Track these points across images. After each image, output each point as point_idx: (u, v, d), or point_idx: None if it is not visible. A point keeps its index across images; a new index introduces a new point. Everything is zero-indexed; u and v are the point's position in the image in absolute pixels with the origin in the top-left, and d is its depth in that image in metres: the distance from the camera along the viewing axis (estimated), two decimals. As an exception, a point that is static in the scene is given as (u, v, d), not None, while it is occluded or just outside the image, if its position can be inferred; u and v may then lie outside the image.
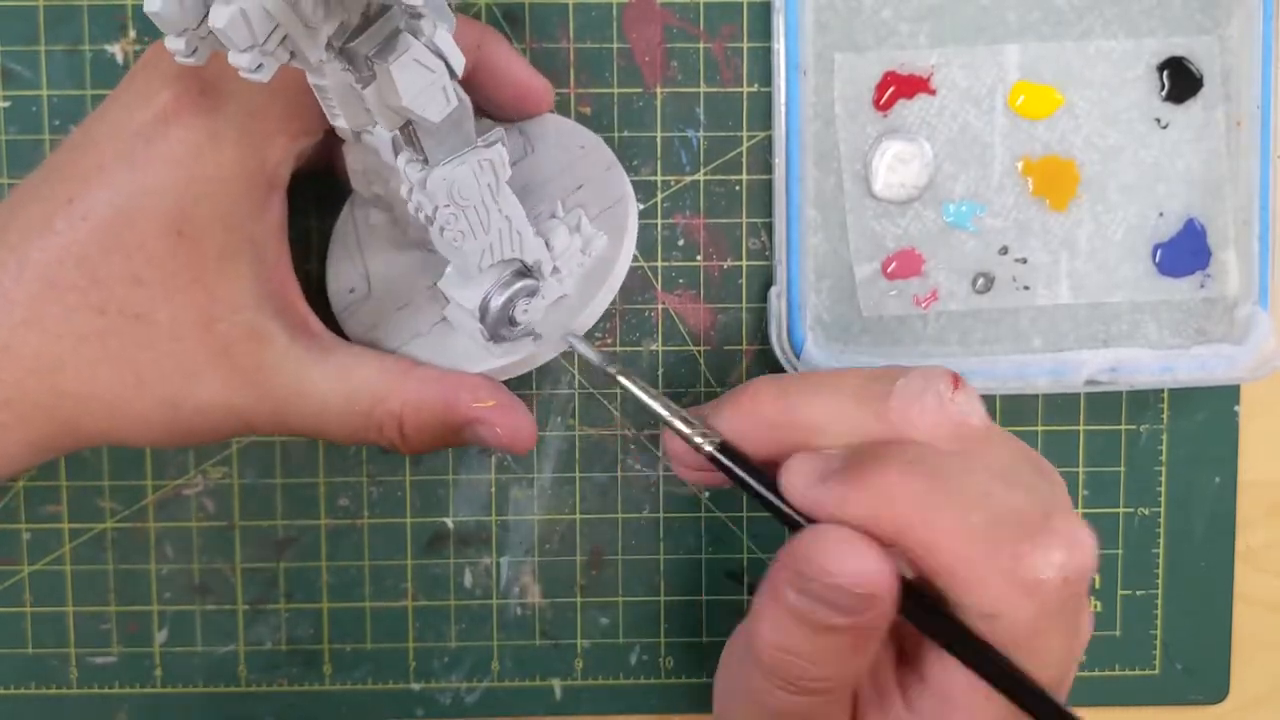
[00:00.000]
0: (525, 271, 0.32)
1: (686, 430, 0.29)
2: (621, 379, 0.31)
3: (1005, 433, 0.29)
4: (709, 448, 0.29)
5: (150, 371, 0.29)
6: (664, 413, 0.30)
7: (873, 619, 0.26)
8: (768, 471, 0.29)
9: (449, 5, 0.26)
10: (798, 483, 0.28)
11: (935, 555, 0.26)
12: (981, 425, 0.27)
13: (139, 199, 0.29)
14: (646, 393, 0.30)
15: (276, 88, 0.27)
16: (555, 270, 0.32)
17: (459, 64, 0.26)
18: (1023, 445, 0.29)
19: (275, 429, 0.31)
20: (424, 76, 0.25)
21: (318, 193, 0.36)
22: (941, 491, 0.26)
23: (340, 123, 0.28)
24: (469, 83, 0.32)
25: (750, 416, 0.29)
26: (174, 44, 0.24)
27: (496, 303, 0.31)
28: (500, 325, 0.32)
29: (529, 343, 0.32)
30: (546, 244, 0.32)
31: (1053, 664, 0.27)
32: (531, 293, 0.32)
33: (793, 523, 0.28)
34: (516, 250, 0.31)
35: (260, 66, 0.24)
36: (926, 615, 0.27)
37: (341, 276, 0.35)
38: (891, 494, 0.26)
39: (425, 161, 0.28)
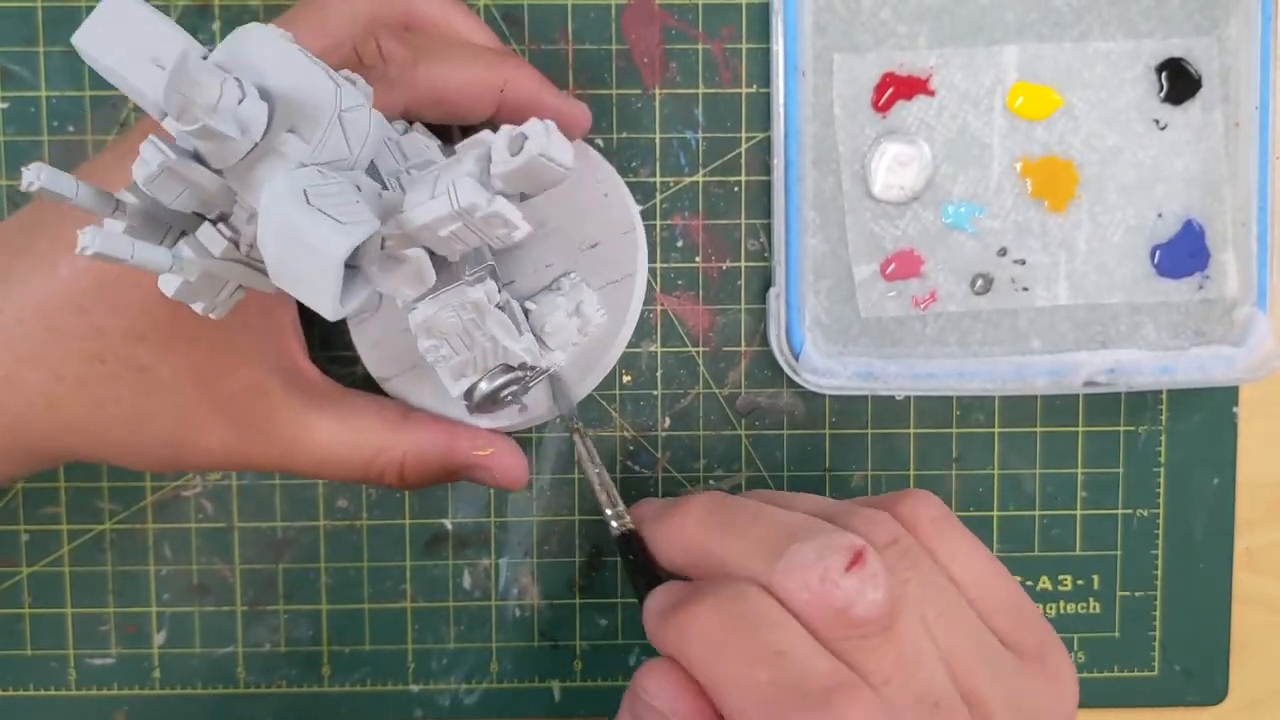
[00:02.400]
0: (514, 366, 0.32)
1: (608, 510, 0.31)
2: (576, 437, 0.32)
3: (937, 615, 0.26)
4: (615, 530, 0.31)
5: (150, 415, 0.30)
6: (595, 484, 0.32)
7: None
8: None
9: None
10: (650, 605, 0.28)
11: (719, 702, 0.25)
12: (870, 615, 0.25)
13: None
14: (591, 459, 0.32)
15: None
16: (545, 346, 0.32)
17: (425, 272, 0.25)
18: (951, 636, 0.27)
19: (277, 469, 0.32)
20: (397, 266, 0.25)
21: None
22: (738, 640, 0.25)
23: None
24: (496, 118, 0.32)
25: (676, 536, 0.29)
26: (198, 307, 0.25)
27: (482, 390, 0.31)
28: (484, 406, 0.32)
29: (514, 411, 0.33)
30: (542, 327, 0.31)
31: None
32: (518, 381, 0.32)
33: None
34: (501, 359, 0.30)
35: (215, 309, 0.25)
36: None
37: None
38: (689, 631, 0.26)
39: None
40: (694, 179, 0.38)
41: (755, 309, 0.39)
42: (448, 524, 0.39)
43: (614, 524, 0.31)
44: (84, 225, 0.28)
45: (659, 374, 0.39)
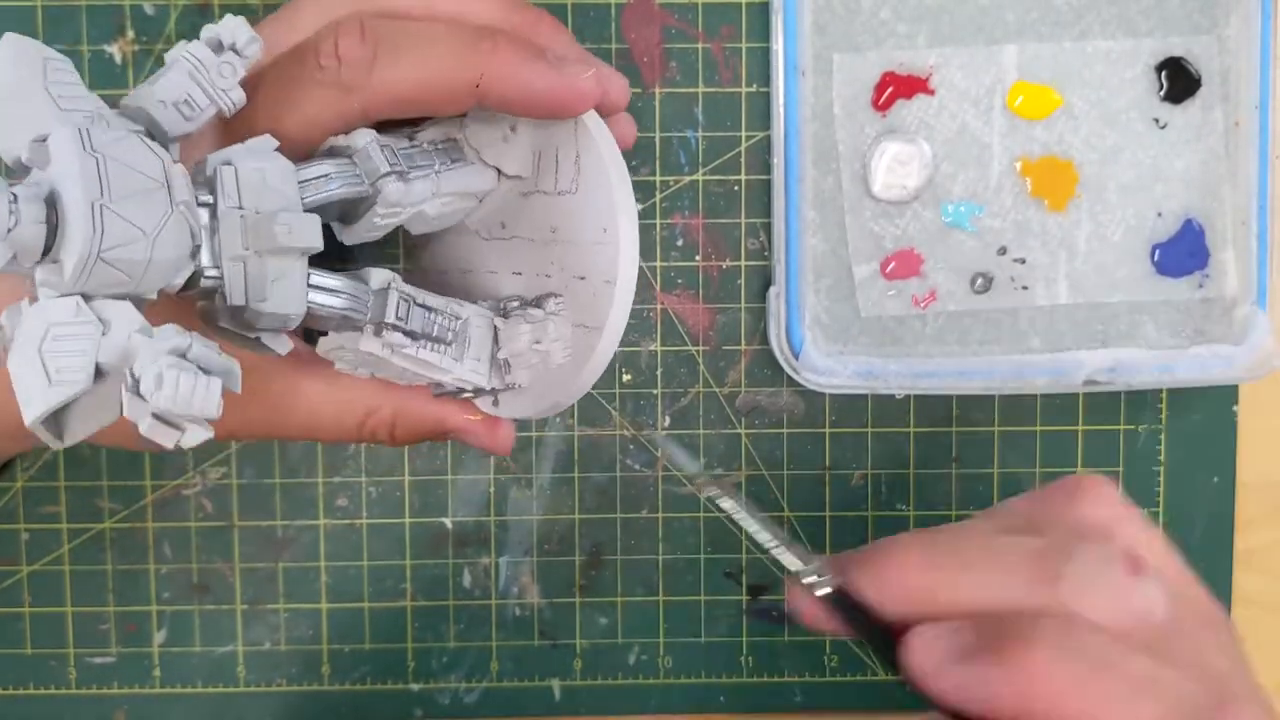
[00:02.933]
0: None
1: (797, 566, 0.27)
2: (728, 505, 0.28)
3: (1187, 598, 0.26)
4: (821, 587, 0.26)
5: None
6: (771, 544, 0.27)
7: None
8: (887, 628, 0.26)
9: None
10: (927, 660, 0.25)
11: None
12: (1167, 617, 0.24)
13: None
14: (754, 518, 0.27)
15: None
16: (507, 366, 0.31)
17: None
18: (1204, 608, 0.27)
19: (267, 435, 0.31)
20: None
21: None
22: (1104, 677, 0.23)
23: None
24: (483, 108, 0.30)
25: (896, 581, 0.26)
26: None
27: (444, 390, 0.31)
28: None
29: (489, 403, 0.32)
30: (507, 343, 0.30)
31: None
32: (468, 393, 0.31)
33: (923, 699, 0.25)
34: (436, 377, 0.30)
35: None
36: None
37: None
38: (1046, 678, 0.23)
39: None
40: (694, 178, 0.38)
41: (755, 308, 0.39)
42: (448, 523, 0.39)
43: (816, 578, 0.27)
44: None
45: (659, 373, 0.39)
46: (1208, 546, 0.40)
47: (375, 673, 0.39)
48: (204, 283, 0.25)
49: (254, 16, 0.37)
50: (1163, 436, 0.39)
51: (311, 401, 0.30)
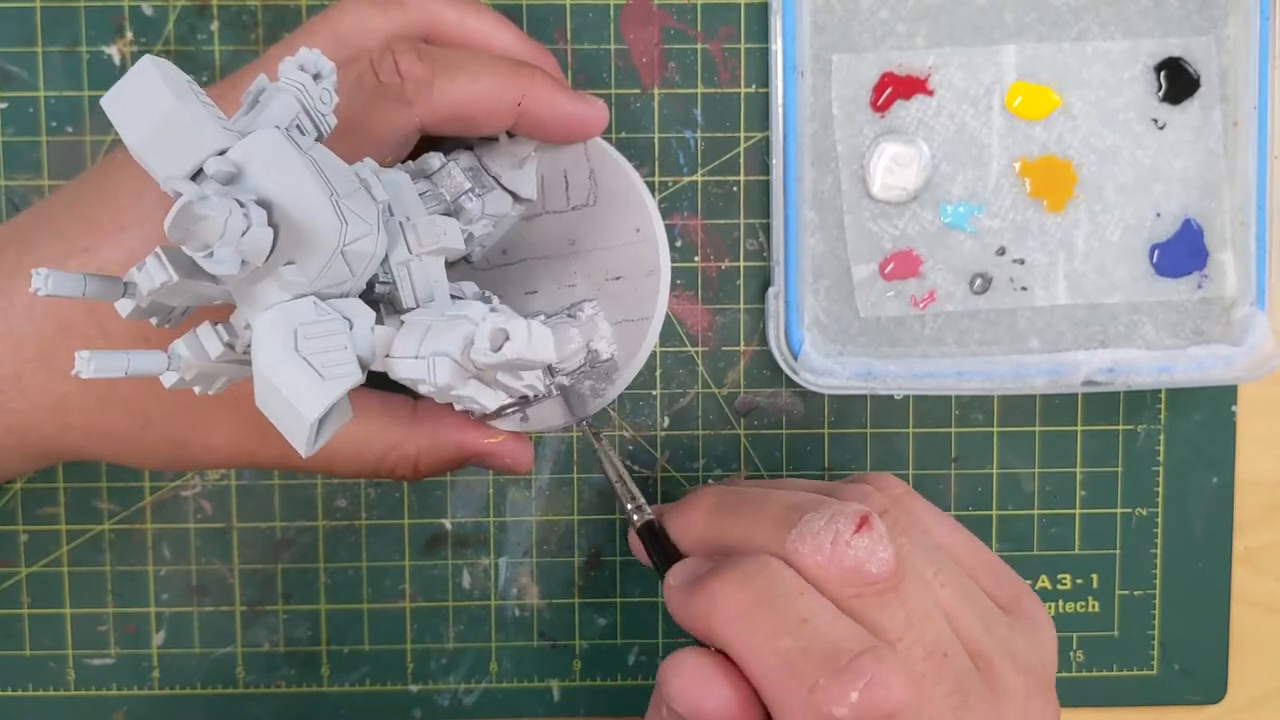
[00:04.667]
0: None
1: (629, 505, 0.32)
2: (594, 442, 0.33)
3: (934, 573, 0.28)
4: (637, 521, 0.32)
5: (157, 415, 0.30)
6: (615, 480, 0.32)
7: None
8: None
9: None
10: (672, 581, 0.29)
11: (748, 671, 0.27)
12: (883, 572, 0.27)
13: None
14: (611, 463, 0.33)
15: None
16: (552, 371, 0.32)
17: (366, 322, 0.25)
18: (959, 584, 0.29)
19: (284, 468, 0.32)
20: (331, 343, 0.25)
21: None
22: (763, 610, 0.26)
23: None
24: (514, 128, 0.32)
25: (691, 525, 0.31)
26: (196, 390, 0.25)
27: (484, 411, 0.31)
28: (487, 419, 0.32)
29: (517, 419, 0.33)
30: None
31: None
32: (520, 406, 0.32)
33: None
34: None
35: (210, 389, 0.25)
36: None
37: None
38: (716, 604, 0.27)
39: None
40: (693, 179, 0.38)
41: (754, 309, 0.39)
42: (447, 524, 0.39)
43: (635, 516, 0.32)
44: (94, 233, 0.29)
45: (658, 374, 0.39)
46: (1207, 546, 0.40)
47: (374, 674, 0.39)
48: (378, 289, 0.26)
49: (253, 18, 0.38)
50: (1162, 437, 0.39)
51: (331, 439, 0.31)
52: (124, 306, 0.23)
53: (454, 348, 0.24)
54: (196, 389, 0.25)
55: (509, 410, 0.32)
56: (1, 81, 0.37)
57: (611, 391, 0.33)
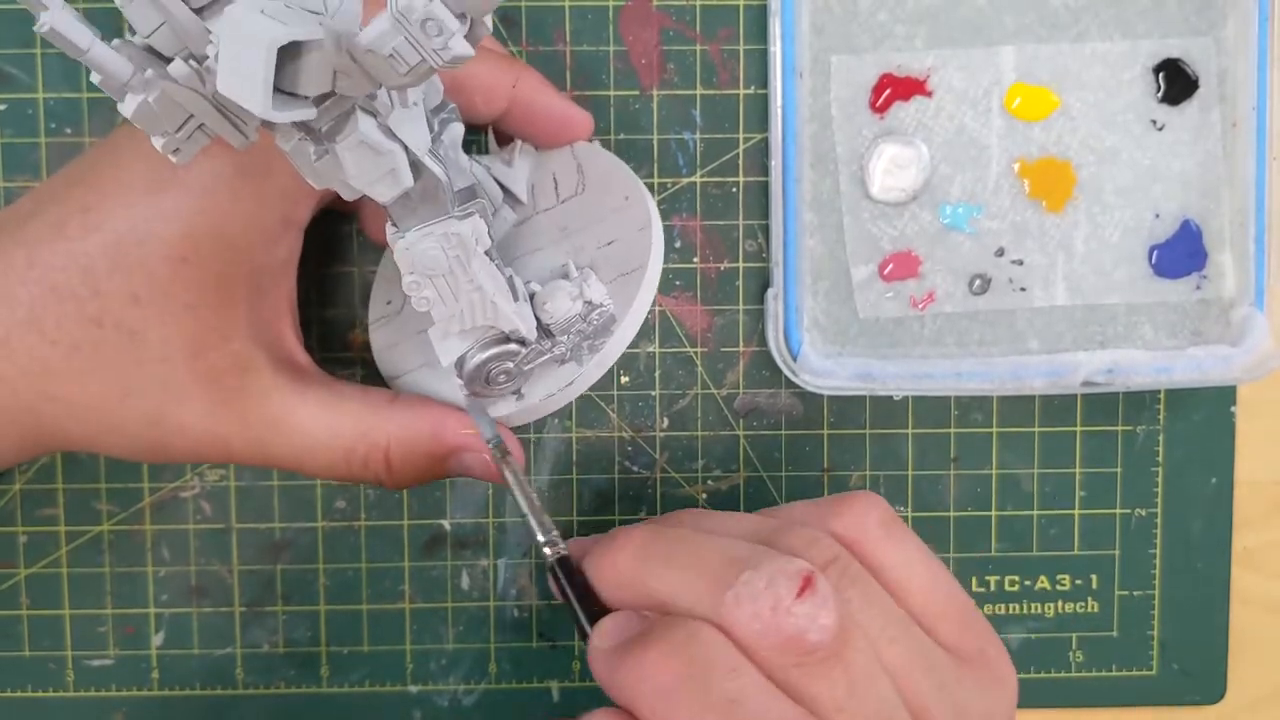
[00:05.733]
0: (509, 337, 0.31)
1: (540, 537, 0.30)
2: (505, 469, 0.31)
3: (882, 628, 0.26)
4: (548, 556, 0.30)
5: (137, 386, 0.30)
6: (527, 512, 0.30)
7: None
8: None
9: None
10: (596, 643, 0.27)
11: None
12: (824, 640, 0.25)
13: (152, 221, 0.29)
14: (520, 488, 0.30)
15: None
16: (549, 334, 0.32)
17: (422, 144, 0.26)
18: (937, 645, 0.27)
19: (256, 459, 0.31)
20: (372, 158, 0.25)
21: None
22: (690, 689, 0.25)
23: (311, 182, 0.27)
24: (505, 118, 0.33)
25: (611, 571, 0.28)
26: (158, 143, 0.24)
27: (473, 361, 0.31)
28: (476, 383, 0.32)
29: (512, 401, 0.32)
30: (544, 305, 0.31)
31: None
32: (512, 358, 0.31)
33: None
34: (490, 319, 0.30)
35: (177, 151, 0.24)
36: None
37: (384, 288, 0.35)
38: (642, 679, 0.25)
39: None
40: (692, 180, 0.38)
41: (753, 309, 0.39)
42: (446, 525, 0.39)
43: (546, 550, 0.30)
44: (96, 193, 0.29)
45: (657, 374, 0.39)
46: (1206, 547, 0.40)
47: (374, 675, 0.39)
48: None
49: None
50: (1161, 437, 0.39)
51: (304, 423, 0.31)
52: (128, 102, 0.23)
53: None
54: (159, 141, 0.24)
55: (499, 372, 0.31)
56: (0, 83, 0.37)
57: (611, 344, 0.32)
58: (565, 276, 0.32)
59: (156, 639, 0.39)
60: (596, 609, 0.29)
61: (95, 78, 0.23)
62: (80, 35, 0.22)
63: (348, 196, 0.27)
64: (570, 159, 0.34)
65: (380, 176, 0.25)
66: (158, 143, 0.24)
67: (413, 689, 0.39)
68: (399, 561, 0.39)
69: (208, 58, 0.23)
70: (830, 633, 0.25)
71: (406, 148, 0.26)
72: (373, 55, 0.22)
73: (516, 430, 0.35)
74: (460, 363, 0.31)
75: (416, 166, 0.26)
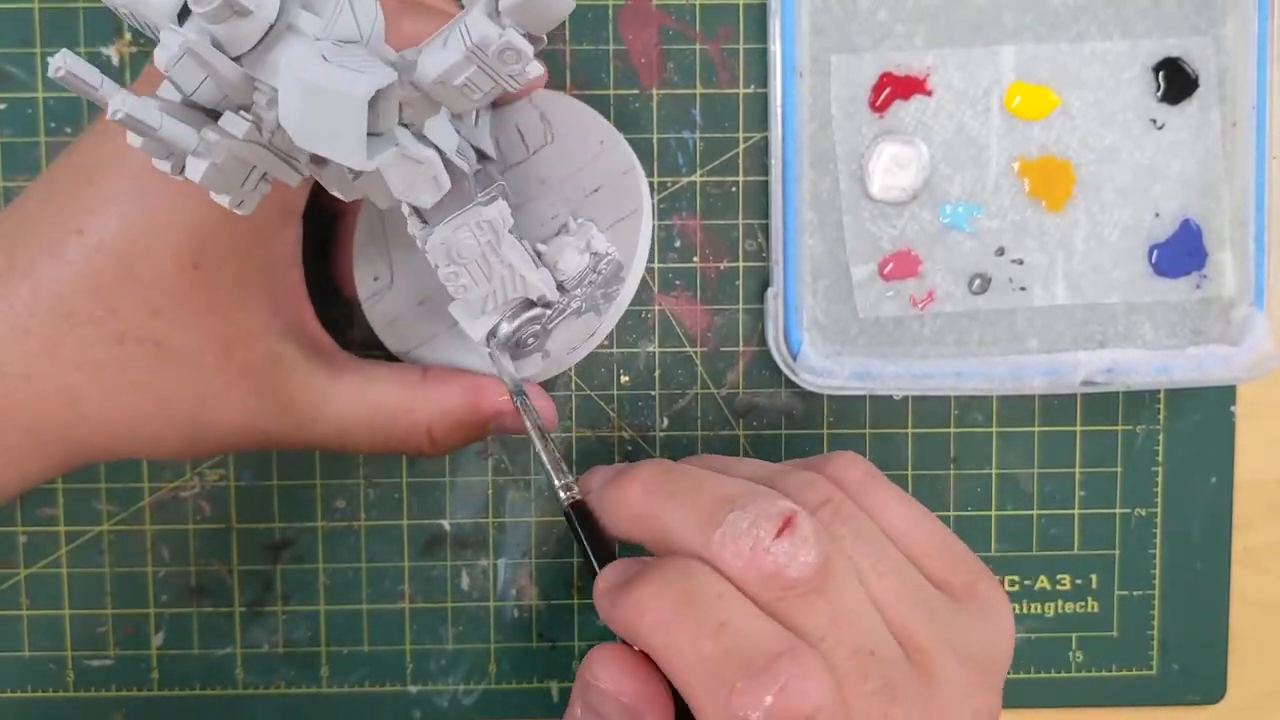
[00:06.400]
0: (533, 302, 0.32)
1: (557, 481, 0.30)
2: (524, 416, 0.31)
3: (873, 564, 0.27)
4: (563, 500, 0.30)
5: (171, 395, 0.30)
6: (543, 456, 0.31)
7: None
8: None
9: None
10: (600, 585, 0.28)
11: (673, 678, 0.26)
12: (803, 576, 0.26)
13: (152, 231, 0.29)
14: (539, 434, 0.31)
15: None
16: (563, 290, 0.32)
17: (451, 143, 0.26)
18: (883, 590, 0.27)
19: (297, 445, 0.32)
20: (415, 169, 0.25)
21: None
22: (684, 616, 0.26)
23: (339, 195, 0.27)
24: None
25: (623, 505, 0.29)
26: (223, 200, 0.24)
27: (504, 331, 0.32)
28: (507, 350, 0.32)
29: (538, 359, 0.33)
30: (555, 265, 0.32)
31: None
32: (539, 321, 0.32)
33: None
34: (520, 291, 0.31)
35: (241, 204, 0.25)
36: None
37: (367, 263, 0.35)
38: (641, 611, 0.26)
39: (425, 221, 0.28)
40: (691, 179, 0.38)
41: (753, 309, 0.39)
42: (446, 525, 0.39)
43: (562, 494, 0.30)
44: (85, 211, 0.28)
45: (657, 374, 0.39)
46: (1206, 546, 0.40)
47: (373, 675, 0.39)
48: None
49: None
50: (1161, 437, 0.39)
51: (339, 410, 0.31)
52: (194, 167, 0.23)
53: (479, 6, 0.23)
54: (225, 199, 0.24)
55: (527, 335, 0.32)
56: (0, 83, 0.37)
57: (624, 290, 0.33)
58: (564, 231, 0.32)
59: (156, 639, 0.39)
60: (607, 555, 0.30)
61: (134, 140, 0.23)
62: (151, 116, 0.22)
63: (383, 206, 0.27)
64: (531, 109, 0.34)
65: (422, 184, 0.25)
66: (223, 200, 0.24)
67: (412, 689, 0.39)
68: (399, 561, 0.39)
69: (254, 104, 0.23)
70: (811, 569, 0.26)
71: (440, 151, 0.26)
72: (442, 86, 0.23)
73: (546, 385, 0.35)
74: (491, 334, 0.31)
75: (449, 165, 0.26)
